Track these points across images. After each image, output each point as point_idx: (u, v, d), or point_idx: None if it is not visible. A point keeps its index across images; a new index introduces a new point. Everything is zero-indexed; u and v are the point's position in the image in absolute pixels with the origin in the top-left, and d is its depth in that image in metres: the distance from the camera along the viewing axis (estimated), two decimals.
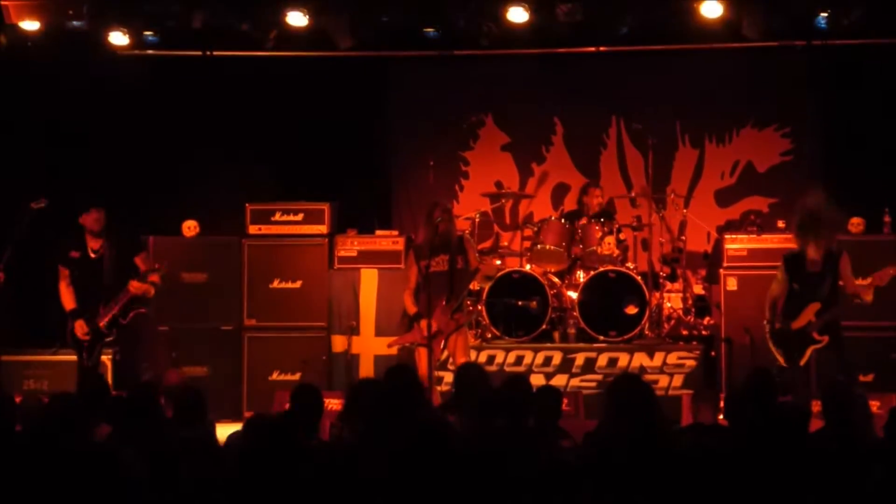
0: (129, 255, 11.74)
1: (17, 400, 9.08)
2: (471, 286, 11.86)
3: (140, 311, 11.74)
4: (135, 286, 11.52)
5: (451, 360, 11.56)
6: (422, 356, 11.21)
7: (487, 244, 14.43)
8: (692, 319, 13.54)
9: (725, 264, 13.26)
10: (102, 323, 11.55)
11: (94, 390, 8.74)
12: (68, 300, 11.66)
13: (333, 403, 11.16)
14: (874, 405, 10.79)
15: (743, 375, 9.79)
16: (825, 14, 12.81)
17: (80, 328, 11.55)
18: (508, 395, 7.91)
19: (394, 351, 12.83)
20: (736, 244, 13.30)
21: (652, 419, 6.48)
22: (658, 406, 6.84)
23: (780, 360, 11.16)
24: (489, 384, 8.18)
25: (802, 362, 11.07)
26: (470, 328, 12.03)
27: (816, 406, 9.50)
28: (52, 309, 11.97)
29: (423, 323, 11.12)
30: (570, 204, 14.63)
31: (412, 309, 11.45)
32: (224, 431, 7.91)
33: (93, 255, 11.67)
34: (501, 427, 6.78)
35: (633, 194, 14.30)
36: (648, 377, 12.21)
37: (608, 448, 6.06)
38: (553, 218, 13.69)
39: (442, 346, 11.42)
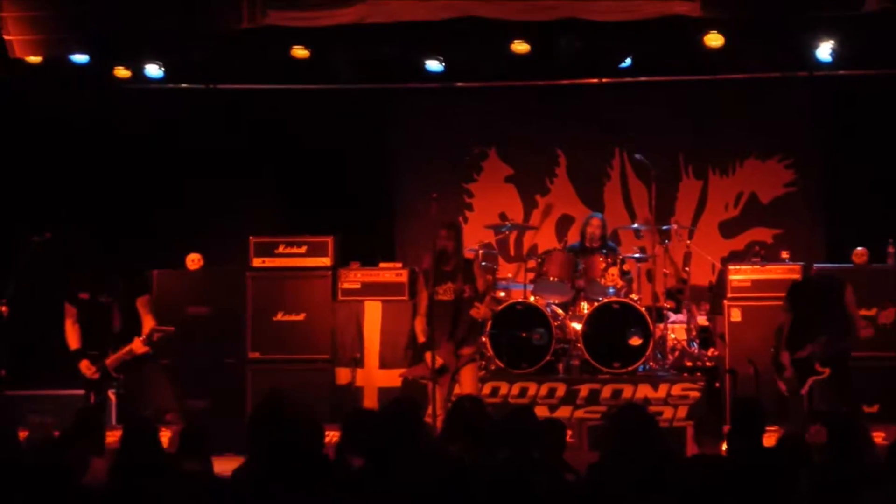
0: (132, 295, 11.60)
1: (23, 434, 9.08)
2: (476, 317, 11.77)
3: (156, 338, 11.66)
4: (139, 347, 11.40)
5: (461, 394, 11.46)
6: (436, 390, 11.19)
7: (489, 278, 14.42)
8: (696, 351, 13.51)
9: (729, 295, 13.23)
10: (110, 364, 11.42)
11: (90, 426, 8.66)
12: (73, 339, 11.49)
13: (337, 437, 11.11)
14: (879, 436, 10.80)
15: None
16: (828, 45, 12.84)
17: (87, 368, 11.41)
18: (513, 428, 7.89)
19: (398, 383, 12.81)
20: (740, 275, 13.27)
21: (655, 450, 6.46)
22: (662, 437, 6.82)
23: (783, 388, 11.22)
24: (486, 416, 8.15)
25: (803, 391, 11.14)
26: (473, 360, 11.92)
27: (818, 437, 9.48)
28: (57, 343, 11.89)
29: (429, 356, 11.09)
30: (573, 235, 14.60)
31: (422, 337, 11.42)
32: (225, 465, 7.88)
33: (102, 299, 11.58)
34: (503, 458, 6.75)
35: (636, 225, 14.30)
36: (652, 408, 12.15)
37: (612, 479, 6.05)
38: (557, 249, 13.66)
39: (451, 382, 11.38)
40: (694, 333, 13.62)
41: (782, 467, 6.04)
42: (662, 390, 12.68)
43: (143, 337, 11.30)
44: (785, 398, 11.22)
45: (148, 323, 11.50)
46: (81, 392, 11.66)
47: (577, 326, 13.08)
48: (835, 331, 11.16)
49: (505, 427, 7.93)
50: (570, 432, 11.60)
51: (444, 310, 11.30)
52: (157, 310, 13.12)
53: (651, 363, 13.03)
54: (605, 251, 13.37)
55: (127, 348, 11.30)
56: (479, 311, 11.47)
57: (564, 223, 15.22)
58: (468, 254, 12.66)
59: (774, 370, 11.42)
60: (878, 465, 7.19)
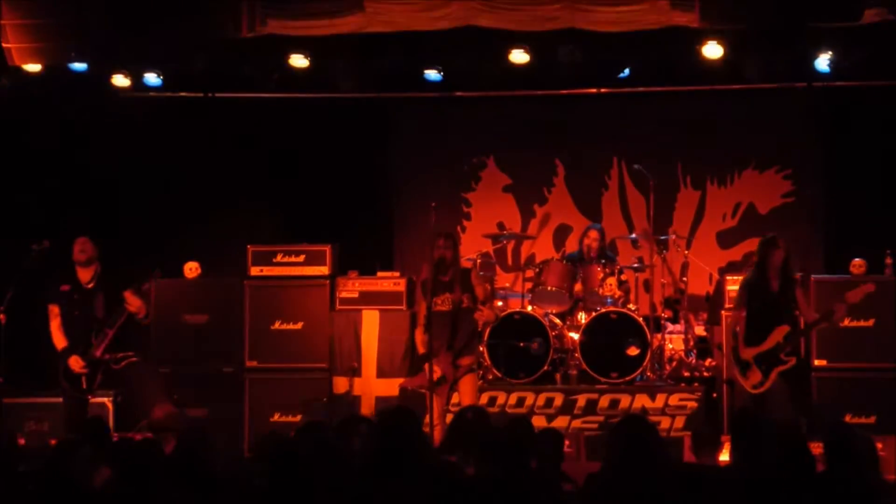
0: (118, 288, 11.56)
1: (21, 442, 9.05)
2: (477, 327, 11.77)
3: (131, 360, 11.55)
4: (131, 298, 11.30)
5: (460, 404, 11.45)
6: (434, 399, 11.18)
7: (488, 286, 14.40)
8: (694, 361, 13.52)
9: (727, 305, 13.20)
10: (99, 352, 11.36)
11: (95, 434, 8.63)
12: (59, 339, 11.46)
13: None
14: (877, 447, 10.78)
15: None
16: (826, 56, 12.86)
17: (76, 363, 11.35)
18: (510, 438, 7.87)
19: (395, 392, 12.79)
20: (737, 285, 13.24)
21: (655, 461, 6.44)
22: (662, 448, 6.80)
23: (746, 386, 11.31)
24: (489, 427, 8.14)
25: (767, 385, 11.23)
26: (471, 370, 11.90)
27: (817, 449, 9.48)
28: (54, 350, 11.88)
29: (428, 367, 11.09)
30: (571, 245, 14.62)
31: (422, 348, 11.41)
32: None
33: (85, 287, 11.54)
34: (502, 469, 6.74)
35: (634, 235, 14.31)
36: (650, 419, 12.15)
37: (611, 490, 6.04)
38: (555, 259, 13.67)
39: (449, 392, 11.38)
40: (691, 343, 13.63)
41: (783, 478, 6.04)
42: (660, 400, 12.70)
43: (132, 288, 11.24)
44: (755, 396, 11.30)
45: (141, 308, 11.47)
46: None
47: (575, 336, 13.10)
48: (796, 322, 11.32)
49: (502, 437, 7.92)
50: (567, 442, 11.60)
51: (443, 320, 11.28)
52: (155, 318, 13.12)
53: (648, 373, 13.06)
54: (602, 261, 13.38)
55: (119, 313, 11.26)
56: (483, 313, 11.46)
57: (562, 233, 15.23)
58: (466, 263, 12.65)
59: (738, 369, 11.49)
60: (881, 477, 7.20)
